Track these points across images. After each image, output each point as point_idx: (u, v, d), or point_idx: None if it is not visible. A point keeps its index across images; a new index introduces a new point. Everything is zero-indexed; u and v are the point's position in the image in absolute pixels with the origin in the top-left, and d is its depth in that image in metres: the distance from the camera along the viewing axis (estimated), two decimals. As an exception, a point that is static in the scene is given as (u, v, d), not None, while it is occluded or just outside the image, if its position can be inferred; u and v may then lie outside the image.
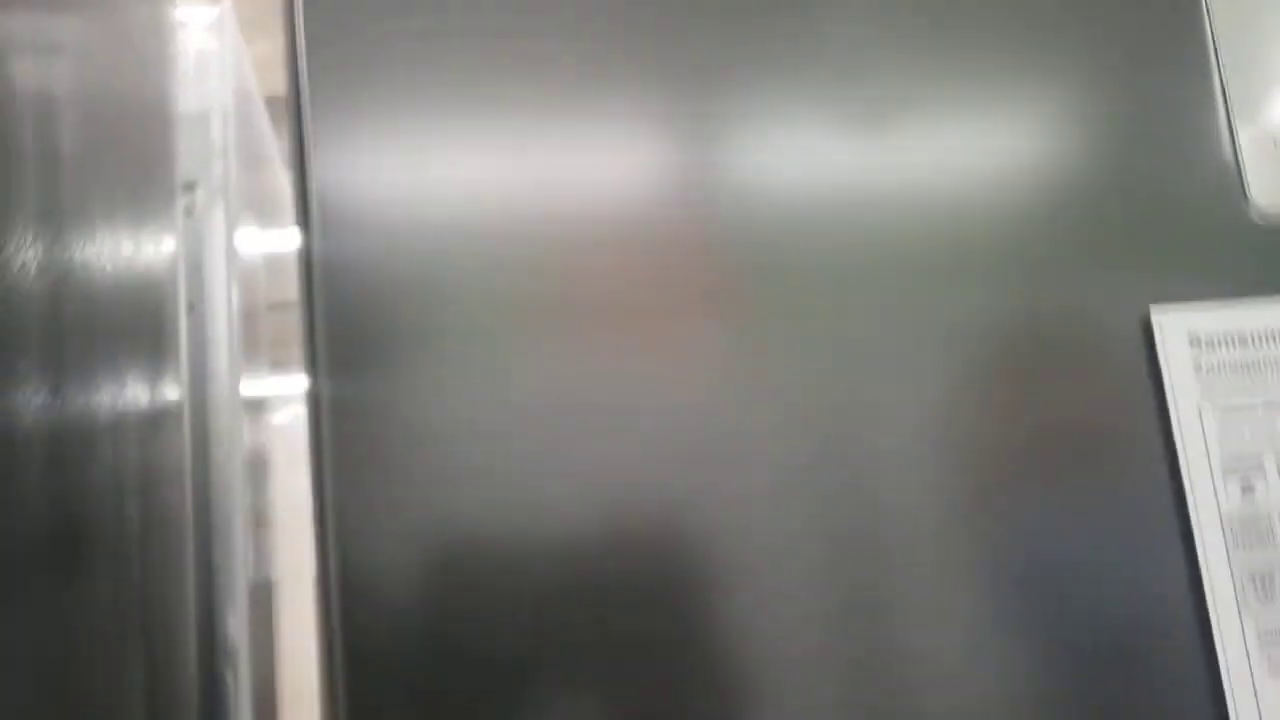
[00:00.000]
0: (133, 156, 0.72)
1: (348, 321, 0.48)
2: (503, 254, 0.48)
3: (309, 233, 0.50)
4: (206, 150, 0.94)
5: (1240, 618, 0.44)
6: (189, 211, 0.93)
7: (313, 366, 0.49)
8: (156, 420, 0.73)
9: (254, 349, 1.08)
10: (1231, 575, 0.44)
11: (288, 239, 1.76)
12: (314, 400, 0.48)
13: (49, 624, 0.45)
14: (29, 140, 0.47)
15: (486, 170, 0.49)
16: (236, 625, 0.88)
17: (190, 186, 0.94)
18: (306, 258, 0.49)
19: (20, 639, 0.41)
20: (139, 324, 0.69)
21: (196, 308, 0.91)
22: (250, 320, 1.05)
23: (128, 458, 0.62)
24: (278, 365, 1.50)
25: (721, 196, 0.50)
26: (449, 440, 0.47)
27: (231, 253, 0.96)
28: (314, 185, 0.49)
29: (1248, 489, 0.45)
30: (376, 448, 0.47)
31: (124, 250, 0.66)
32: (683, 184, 0.50)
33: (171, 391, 0.79)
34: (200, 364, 0.90)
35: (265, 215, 1.39)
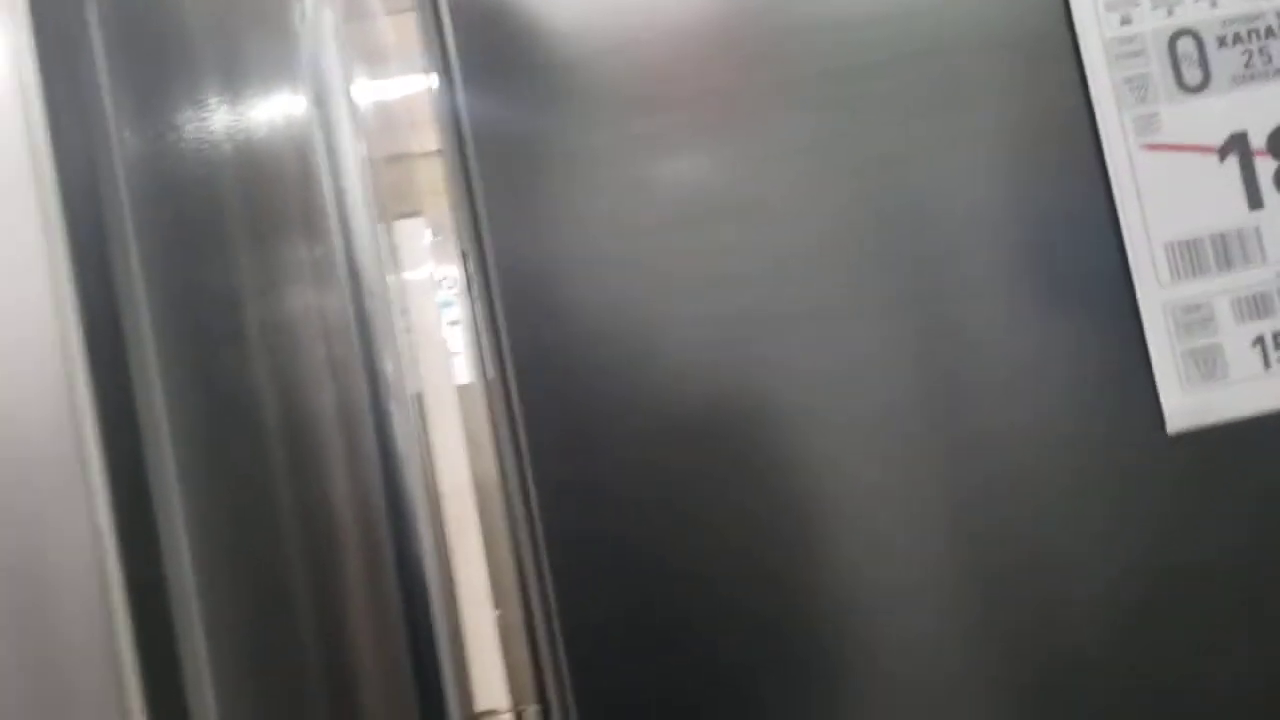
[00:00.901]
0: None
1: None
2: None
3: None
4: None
5: (1119, 113, 0.56)
6: (302, 17, 1.09)
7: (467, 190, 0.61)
8: (322, 268, 0.89)
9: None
10: (1111, 83, 0.56)
11: (395, 89, 1.91)
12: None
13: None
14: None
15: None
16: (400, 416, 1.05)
17: (300, -7, 1.09)
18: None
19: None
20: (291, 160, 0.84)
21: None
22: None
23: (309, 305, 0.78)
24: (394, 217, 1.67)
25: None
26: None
27: (344, 52, 1.11)
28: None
29: (1126, 21, 0.56)
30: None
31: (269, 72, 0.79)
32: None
33: (328, 238, 0.95)
34: (342, 208, 1.05)
35: (370, 66, 1.53)
